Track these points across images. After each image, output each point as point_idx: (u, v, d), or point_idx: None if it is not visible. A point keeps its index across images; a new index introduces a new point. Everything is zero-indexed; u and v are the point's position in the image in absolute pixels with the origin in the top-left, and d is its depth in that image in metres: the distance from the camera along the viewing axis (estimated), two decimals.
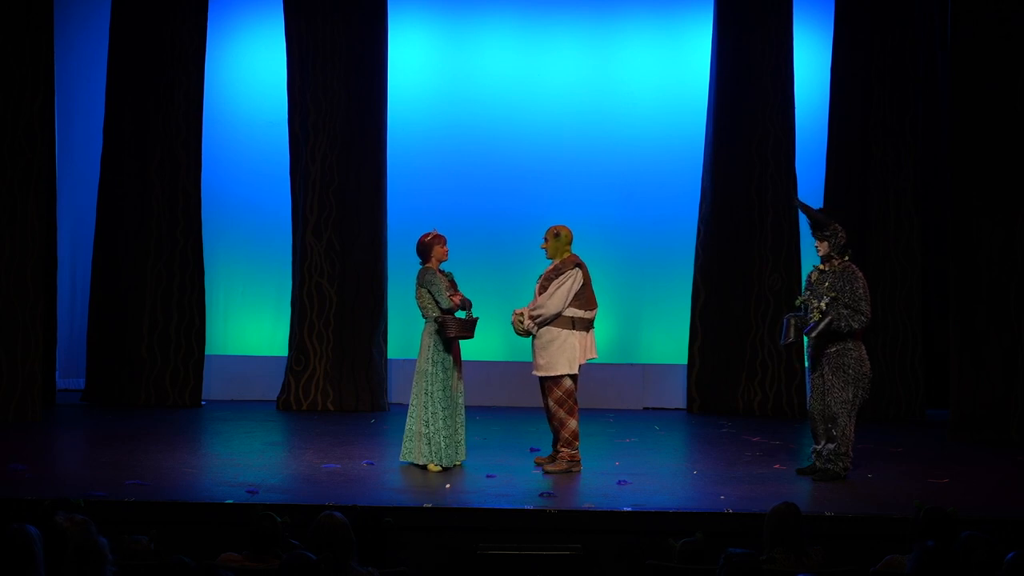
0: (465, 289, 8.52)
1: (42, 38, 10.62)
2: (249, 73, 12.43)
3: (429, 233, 8.43)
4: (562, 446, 8.39)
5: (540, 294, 8.41)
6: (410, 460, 8.33)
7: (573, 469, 8.34)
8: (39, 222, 10.47)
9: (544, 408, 8.55)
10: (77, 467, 8.83)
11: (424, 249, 8.40)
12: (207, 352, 11.66)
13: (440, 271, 8.41)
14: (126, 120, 11.58)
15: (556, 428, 8.40)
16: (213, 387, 11.86)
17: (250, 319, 12.43)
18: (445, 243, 8.43)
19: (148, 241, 11.50)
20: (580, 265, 8.44)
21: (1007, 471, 8.87)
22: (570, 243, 8.53)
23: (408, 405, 8.44)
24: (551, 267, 8.47)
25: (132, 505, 6.91)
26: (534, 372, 8.45)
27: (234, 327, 12.40)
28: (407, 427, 8.37)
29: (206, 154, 11.72)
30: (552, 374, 8.34)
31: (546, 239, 8.52)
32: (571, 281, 8.34)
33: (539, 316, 8.34)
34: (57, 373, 11.76)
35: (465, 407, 8.49)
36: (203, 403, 11.59)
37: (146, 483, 7.58)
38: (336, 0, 11.65)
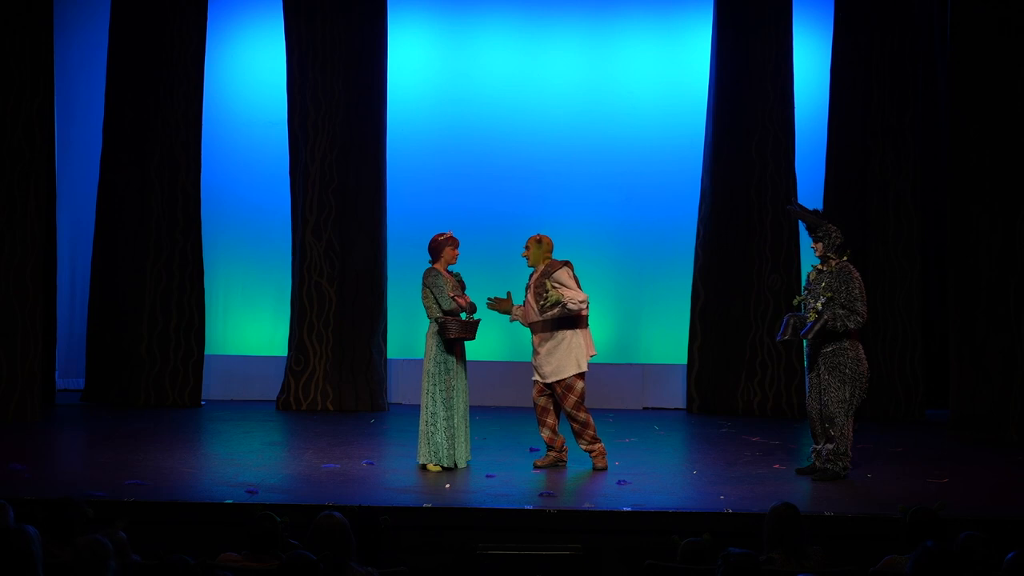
0: (466, 289, 8.54)
1: (42, 38, 10.63)
2: (249, 73, 12.44)
3: (444, 234, 8.44)
4: (592, 443, 8.43)
5: (535, 300, 8.39)
6: (423, 461, 8.35)
7: (561, 462, 8.53)
8: (39, 222, 10.47)
9: (537, 413, 8.54)
10: (77, 467, 8.83)
11: (435, 248, 8.41)
12: (207, 352, 11.67)
13: (448, 272, 8.42)
14: (126, 120, 11.58)
15: (578, 431, 8.42)
16: (213, 387, 11.87)
17: (250, 319, 12.43)
18: (457, 246, 8.44)
19: (148, 241, 11.50)
20: (567, 263, 8.47)
21: (1007, 471, 8.87)
22: (551, 251, 8.53)
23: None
24: (539, 272, 8.46)
25: (132, 505, 6.91)
26: (543, 380, 8.41)
27: (234, 327, 12.41)
28: (419, 428, 8.40)
29: (206, 154, 11.72)
30: (563, 376, 8.34)
31: (528, 246, 8.54)
32: (568, 274, 8.38)
33: (576, 299, 8.29)
34: (57, 373, 11.77)
35: (469, 408, 8.50)
36: (203, 403, 11.59)
37: (146, 483, 7.59)
38: (336, 0, 11.65)
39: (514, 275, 11.51)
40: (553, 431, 8.54)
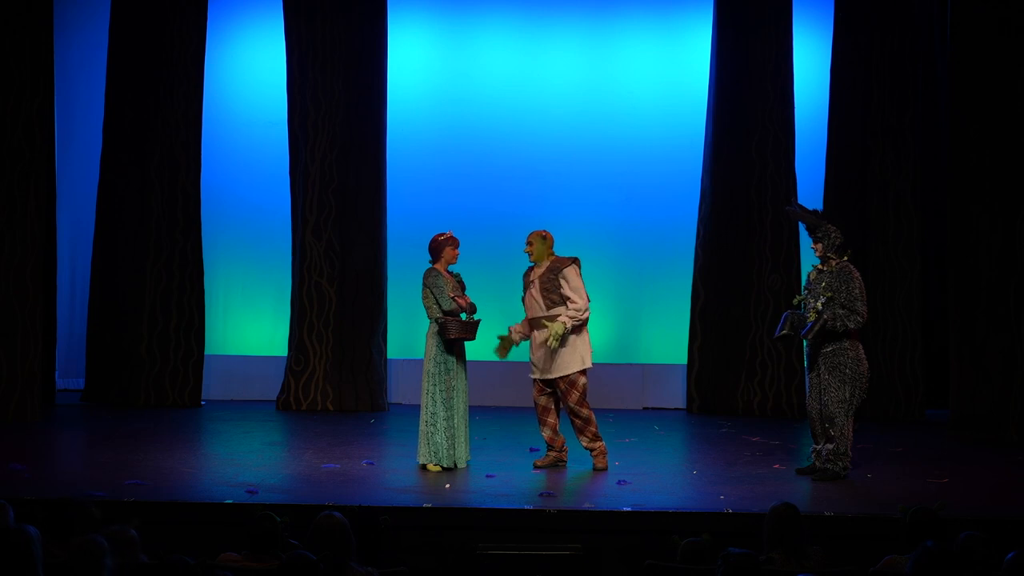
0: (466, 289, 8.54)
1: (42, 38, 10.63)
2: (249, 73, 12.44)
3: (444, 234, 8.44)
4: (593, 441, 8.43)
5: (541, 296, 8.38)
6: (423, 461, 8.35)
7: (561, 462, 8.54)
8: (39, 222, 10.47)
9: (538, 412, 8.54)
10: (77, 467, 8.83)
11: (435, 248, 8.41)
12: (206, 352, 11.67)
13: (448, 273, 8.43)
14: (126, 120, 11.59)
15: (581, 427, 8.41)
16: (213, 387, 11.87)
17: (250, 319, 12.43)
18: (457, 246, 8.44)
19: (148, 241, 11.50)
20: (576, 260, 8.48)
21: (1007, 471, 8.88)
22: (553, 247, 8.53)
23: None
24: (545, 268, 8.43)
25: (132, 505, 6.91)
26: (546, 376, 8.38)
27: (234, 327, 12.41)
28: (419, 428, 8.40)
29: (206, 154, 11.72)
30: (567, 372, 8.33)
31: (531, 242, 8.51)
32: (576, 272, 8.39)
33: (578, 315, 8.31)
34: (57, 373, 11.76)
35: (469, 408, 8.49)
36: (203, 403, 11.59)
37: (146, 483, 7.59)
38: (336, 0, 11.65)
39: (514, 275, 11.50)
40: (554, 431, 8.54)
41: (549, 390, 8.48)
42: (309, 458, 8.82)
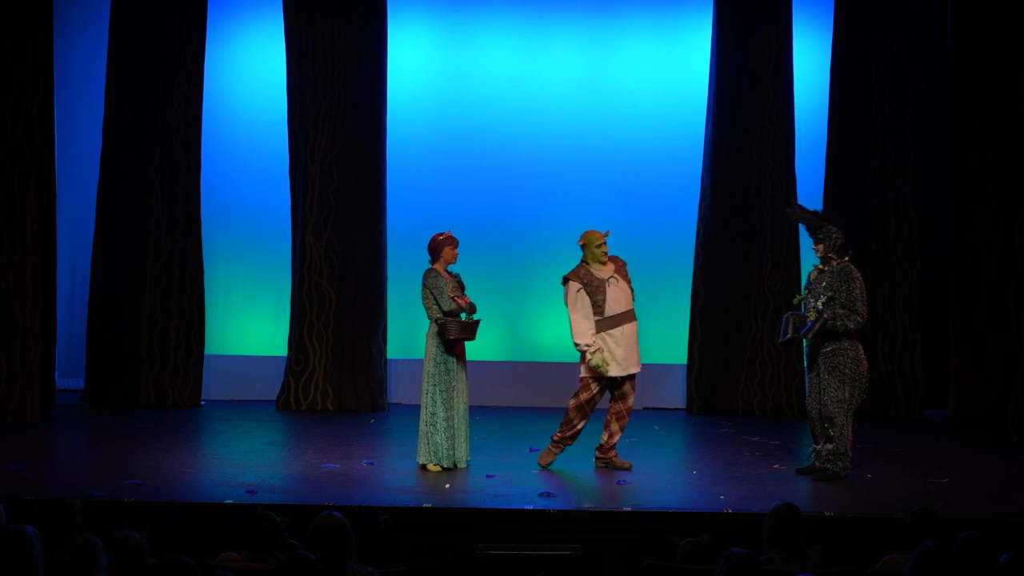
0: (466, 289, 8.55)
1: (42, 38, 10.63)
2: (249, 73, 12.43)
3: (443, 233, 8.45)
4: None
5: (631, 290, 8.66)
6: (423, 461, 8.35)
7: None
8: (39, 222, 10.47)
9: (590, 409, 8.53)
10: (77, 467, 8.83)
11: (434, 248, 8.42)
12: (206, 352, 11.66)
13: (448, 273, 8.43)
14: (126, 120, 11.58)
15: (624, 426, 8.54)
16: (212, 387, 11.86)
17: (250, 319, 12.42)
18: (456, 246, 8.44)
19: (148, 241, 11.50)
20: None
21: (1007, 471, 8.88)
22: None
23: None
24: (612, 265, 8.63)
25: (132, 505, 6.91)
26: (629, 371, 8.51)
27: (233, 327, 12.40)
28: (419, 428, 8.40)
29: (206, 154, 11.72)
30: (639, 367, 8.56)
31: (605, 240, 8.64)
32: None
33: None
34: (57, 373, 11.76)
35: (469, 408, 8.49)
36: (202, 403, 11.59)
37: (146, 483, 7.59)
38: (336, 0, 11.65)
39: (513, 274, 11.57)
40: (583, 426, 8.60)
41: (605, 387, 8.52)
42: (309, 458, 8.82)
